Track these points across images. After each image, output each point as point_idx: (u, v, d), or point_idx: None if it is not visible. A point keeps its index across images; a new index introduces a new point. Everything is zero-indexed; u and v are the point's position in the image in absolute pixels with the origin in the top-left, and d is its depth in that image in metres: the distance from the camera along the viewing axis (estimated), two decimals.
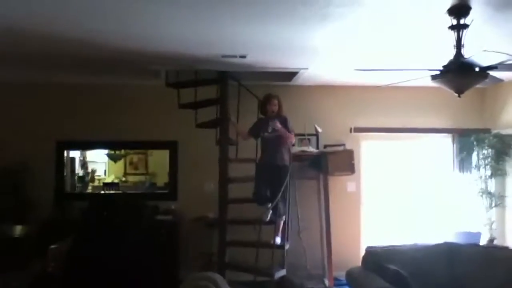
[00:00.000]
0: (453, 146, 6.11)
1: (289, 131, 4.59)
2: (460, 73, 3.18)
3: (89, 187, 6.05)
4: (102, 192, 6.00)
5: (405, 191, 6.12)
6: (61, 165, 5.83)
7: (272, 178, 4.51)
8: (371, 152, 6.10)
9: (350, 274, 4.03)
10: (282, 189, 4.43)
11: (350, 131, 6.00)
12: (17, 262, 3.94)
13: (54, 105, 5.83)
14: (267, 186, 4.54)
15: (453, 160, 6.12)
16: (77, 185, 6.04)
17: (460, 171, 6.07)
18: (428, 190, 6.13)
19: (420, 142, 6.18)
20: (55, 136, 5.76)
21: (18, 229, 4.22)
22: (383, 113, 6.06)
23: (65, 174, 5.88)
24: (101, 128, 5.79)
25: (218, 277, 2.65)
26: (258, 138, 4.82)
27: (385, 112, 6.07)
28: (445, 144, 6.17)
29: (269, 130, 4.59)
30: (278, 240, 4.56)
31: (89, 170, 6.12)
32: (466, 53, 3.19)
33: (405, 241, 4.73)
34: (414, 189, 6.12)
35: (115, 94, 5.89)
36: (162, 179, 6.09)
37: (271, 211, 4.46)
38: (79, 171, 6.09)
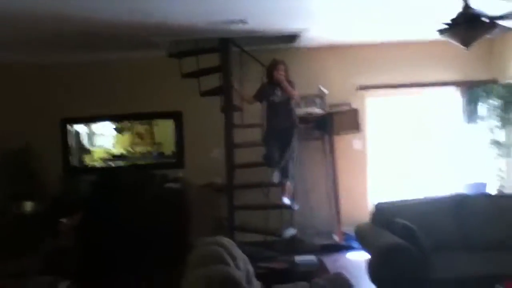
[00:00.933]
0: (461, 98, 6.02)
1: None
2: (469, 26, 3.11)
3: (98, 160, 6.09)
4: (111, 164, 6.05)
5: (413, 146, 6.09)
6: (66, 141, 5.87)
7: (281, 140, 4.60)
8: (377, 109, 6.04)
9: (358, 229, 4.07)
10: (290, 149, 4.51)
11: (356, 90, 5.93)
12: (29, 237, 4.03)
13: (57, 83, 5.83)
14: (277, 149, 4.60)
15: (462, 113, 6.05)
16: (84, 159, 6.09)
17: (468, 122, 6.00)
18: (436, 143, 6.09)
19: (427, 96, 6.10)
20: (59, 112, 5.79)
21: (28, 206, 4.29)
22: (389, 70, 5.96)
23: (71, 149, 5.92)
24: (106, 102, 5.80)
25: (227, 240, 2.69)
26: (263, 102, 4.84)
27: (391, 68, 5.96)
28: (453, 97, 6.08)
29: (278, 94, 4.67)
30: (286, 200, 4.60)
31: (97, 143, 6.14)
32: (474, 4, 3.09)
33: (414, 196, 4.75)
34: (422, 144, 6.08)
35: (118, 68, 5.86)
36: (169, 148, 6.11)
37: (280, 173, 4.48)
38: (86, 145, 6.12)
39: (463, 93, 6.01)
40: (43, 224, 4.17)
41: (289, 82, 4.70)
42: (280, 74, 4.63)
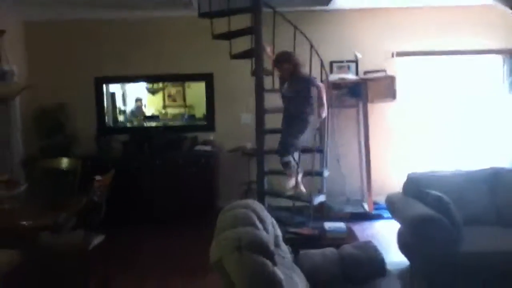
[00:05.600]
0: (504, 67, 5.74)
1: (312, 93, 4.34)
2: None
3: (132, 121, 6.17)
4: (143, 125, 6.13)
5: (451, 116, 5.89)
6: (101, 101, 5.97)
7: (293, 129, 4.40)
8: (413, 77, 5.83)
9: (390, 199, 4.02)
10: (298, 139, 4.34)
11: (392, 56, 5.72)
12: (66, 192, 4.15)
13: (90, 42, 5.86)
14: (290, 137, 4.39)
15: (503, 82, 5.78)
16: (119, 119, 6.18)
17: (510, 92, 5.74)
18: (476, 114, 5.87)
19: (467, 65, 5.83)
20: (93, 72, 5.85)
21: (64, 163, 4.41)
22: (427, 36, 5.72)
23: (105, 109, 6.02)
24: (137, 62, 5.83)
25: (257, 204, 2.69)
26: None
27: (430, 34, 5.71)
28: (495, 66, 5.80)
29: (286, 88, 4.44)
30: (291, 183, 4.47)
31: (137, 104, 6.20)
32: None
33: (449, 167, 4.63)
34: (461, 114, 5.87)
35: (150, 27, 5.84)
36: (200, 110, 6.13)
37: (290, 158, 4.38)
38: (120, 105, 6.20)
39: (506, 62, 5.72)
40: (78, 181, 4.28)
41: (301, 78, 4.37)
42: (285, 73, 4.40)
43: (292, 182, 4.43)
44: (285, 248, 2.81)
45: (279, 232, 2.81)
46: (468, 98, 5.86)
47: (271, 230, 2.62)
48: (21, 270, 3.32)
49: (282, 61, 4.41)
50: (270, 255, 2.07)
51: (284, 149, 4.33)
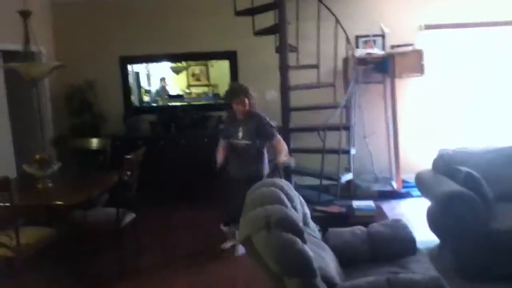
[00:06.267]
0: None
1: (267, 137, 3.72)
2: None
3: (158, 100, 6.22)
4: (168, 104, 6.16)
5: (481, 91, 5.70)
6: (127, 80, 6.01)
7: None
8: (443, 50, 5.65)
9: (419, 177, 3.96)
10: None
11: (420, 29, 5.56)
12: (96, 171, 4.25)
13: (115, 21, 5.87)
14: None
15: None
16: (145, 99, 6.23)
17: None
18: (508, 88, 5.66)
19: (499, 37, 5.61)
20: (118, 52, 5.88)
21: (94, 142, 4.50)
22: (457, 8, 5.50)
23: (131, 88, 6.06)
24: (161, 41, 5.81)
25: (284, 182, 2.69)
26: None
27: (459, 6, 5.50)
28: None
29: (239, 136, 3.73)
30: (226, 245, 3.99)
31: (162, 83, 6.23)
32: None
33: (480, 144, 4.52)
34: (492, 88, 5.68)
35: (173, 5, 5.79)
36: (224, 89, 6.08)
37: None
38: (145, 85, 6.25)
39: None
40: (109, 159, 4.37)
41: (255, 117, 3.70)
42: (238, 109, 3.69)
43: (227, 244, 4.00)
44: (313, 226, 2.82)
45: (307, 210, 2.82)
46: (499, 71, 5.66)
47: (299, 208, 2.63)
48: (56, 247, 3.45)
49: (235, 96, 3.70)
50: (299, 233, 2.08)
51: (234, 219, 3.44)
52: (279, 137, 3.74)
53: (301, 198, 2.81)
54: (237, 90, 3.70)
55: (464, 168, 3.53)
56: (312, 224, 2.83)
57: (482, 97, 5.71)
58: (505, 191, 3.61)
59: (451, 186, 3.42)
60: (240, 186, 3.14)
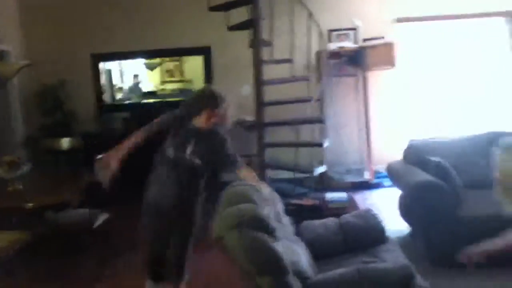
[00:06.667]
0: (507, 29, 5.65)
1: (226, 164, 2.89)
2: None
3: (131, 98, 6.15)
4: (142, 101, 6.11)
5: (452, 82, 5.83)
6: (98, 78, 5.92)
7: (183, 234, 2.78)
8: (414, 43, 5.75)
9: (391, 167, 4.04)
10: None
11: (392, 23, 5.63)
12: (69, 171, 4.19)
13: (84, 19, 5.78)
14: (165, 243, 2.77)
15: (507, 44, 5.69)
16: (117, 96, 6.16)
17: None
18: (478, 79, 5.80)
19: (470, 29, 5.74)
20: (89, 49, 5.79)
21: (66, 142, 4.43)
22: (428, 1, 5.60)
23: (103, 86, 5.98)
24: (133, 37, 5.75)
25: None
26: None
27: None
28: (498, 28, 5.70)
29: (187, 151, 2.74)
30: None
31: (135, 80, 6.16)
32: None
33: (450, 134, 4.62)
34: (463, 79, 5.80)
35: (144, 1, 5.72)
36: (199, 85, 6.08)
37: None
38: (118, 82, 6.17)
39: (509, 24, 5.63)
40: (80, 160, 4.31)
41: (218, 134, 2.85)
42: (216, 121, 2.83)
43: None
44: (286, 221, 2.84)
45: (280, 205, 2.84)
46: (469, 63, 5.79)
47: (271, 206, 2.63)
48: (29, 249, 3.39)
49: (222, 101, 2.83)
50: (270, 231, 2.11)
51: (178, 273, 2.78)
52: (243, 163, 2.88)
53: (274, 193, 2.83)
54: (219, 98, 2.82)
55: (434, 158, 3.62)
56: (285, 218, 2.85)
57: (451, 88, 5.84)
58: (473, 179, 3.69)
59: (421, 175, 3.50)
60: (165, 217, 2.57)
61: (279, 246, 2.04)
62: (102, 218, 3.71)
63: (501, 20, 5.66)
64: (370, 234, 2.81)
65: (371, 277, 2.12)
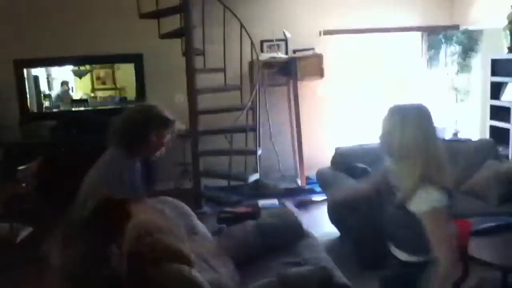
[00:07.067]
0: (422, 43, 6.09)
1: None
2: None
3: (59, 105, 5.89)
4: (71, 109, 5.88)
5: (375, 91, 6.16)
6: (22, 85, 5.62)
7: None
8: (340, 54, 6.03)
9: (320, 174, 4.20)
10: None
11: (320, 35, 5.87)
12: None
13: (6, 22, 5.46)
14: None
15: (423, 58, 6.14)
16: (44, 104, 5.88)
17: (428, 68, 6.12)
18: (398, 88, 6.19)
19: (389, 41, 6.12)
20: (12, 54, 5.48)
21: None
22: (352, 15, 5.90)
23: (28, 93, 5.69)
24: (61, 43, 5.50)
25: (163, 200, 2.67)
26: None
27: (355, 13, 5.90)
28: (414, 42, 6.14)
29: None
30: None
31: (64, 87, 5.91)
32: None
33: (374, 140, 4.86)
34: (384, 89, 6.17)
35: (72, 4, 5.53)
36: (132, 93, 5.96)
37: None
38: (45, 89, 5.89)
39: (424, 38, 6.08)
40: (1, 171, 4.07)
41: None
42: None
43: None
44: (204, 234, 2.76)
45: (194, 218, 2.78)
46: (390, 74, 6.16)
47: (180, 223, 2.52)
48: None
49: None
50: (186, 260, 1.98)
51: None
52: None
53: (186, 208, 2.77)
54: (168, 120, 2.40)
55: (360, 164, 3.81)
56: (202, 231, 2.76)
57: (375, 96, 6.18)
58: None
59: (348, 182, 3.67)
60: None
61: (197, 274, 1.92)
62: (25, 232, 3.51)
63: (417, 34, 6.08)
64: (288, 232, 2.86)
65: (290, 284, 2.13)
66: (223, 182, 4.74)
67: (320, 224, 4.13)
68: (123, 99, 5.98)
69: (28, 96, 5.68)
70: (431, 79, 6.09)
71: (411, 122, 1.91)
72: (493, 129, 5.08)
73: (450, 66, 5.84)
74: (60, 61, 5.69)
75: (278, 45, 5.77)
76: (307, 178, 5.58)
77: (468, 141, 5.00)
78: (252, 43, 4.87)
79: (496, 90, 4.98)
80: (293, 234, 2.86)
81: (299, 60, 5.41)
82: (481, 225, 2.91)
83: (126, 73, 5.92)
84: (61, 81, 5.89)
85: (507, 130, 4.77)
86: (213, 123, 5.05)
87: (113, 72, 5.97)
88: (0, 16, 5.44)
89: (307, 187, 5.53)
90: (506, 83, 4.86)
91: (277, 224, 2.87)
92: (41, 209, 3.80)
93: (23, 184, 3.35)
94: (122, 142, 2.36)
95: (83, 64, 5.85)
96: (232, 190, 4.76)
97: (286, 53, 5.71)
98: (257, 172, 4.84)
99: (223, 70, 4.96)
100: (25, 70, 5.63)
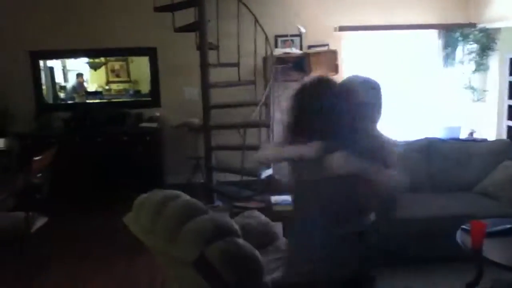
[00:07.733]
0: (439, 41, 6.00)
1: None
2: None
3: (74, 97, 5.94)
4: (86, 101, 5.92)
5: (389, 89, 6.09)
6: (38, 76, 5.69)
7: None
8: (355, 51, 5.98)
9: None
10: None
11: (335, 31, 5.83)
12: (3, 172, 3.99)
13: (23, 14, 5.52)
14: None
15: (439, 56, 6.05)
16: (60, 95, 5.94)
17: (445, 66, 6.03)
18: (414, 87, 6.11)
19: (405, 39, 6.05)
20: (28, 46, 5.54)
21: (1, 142, 4.21)
22: (368, 12, 5.83)
23: (44, 85, 5.75)
24: (77, 35, 5.56)
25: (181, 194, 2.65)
26: None
27: (370, 10, 5.83)
28: (431, 40, 6.05)
29: None
30: None
31: (79, 79, 5.95)
32: None
33: None
34: (399, 87, 6.10)
35: None
36: (145, 86, 5.99)
37: None
38: (61, 81, 5.95)
39: (441, 36, 5.99)
40: (16, 161, 4.12)
41: None
42: None
43: None
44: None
45: None
46: (406, 71, 6.09)
47: None
48: None
49: None
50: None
51: None
52: None
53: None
54: None
55: None
56: None
57: (390, 95, 6.11)
58: (412, 182, 3.89)
59: None
60: None
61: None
62: (40, 222, 3.55)
63: (434, 32, 5.99)
64: (263, 233, 2.89)
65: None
66: (236, 177, 4.73)
67: None
68: (137, 93, 6.02)
69: (44, 87, 5.75)
70: (447, 77, 6.00)
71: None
72: (510, 129, 5.00)
73: (466, 64, 5.74)
74: (75, 53, 5.74)
75: (292, 41, 5.74)
76: None
77: (483, 141, 4.95)
78: (266, 38, 4.85)
79: None
80: (265, 234, 2.90)
81: (312, 56, 5.37)
82: (495, 227, 2.88)
83: (140, 66, 5.95)
84: (76, 73, 5.93)
85: None
86: (227, 117, 5.05)
87: (128, 65, 5.99)
88: (17, 8, 5.50)
89: None
90: None
91: (253, 225, 2.90)
92: (56, 199, 3.84)
93: (39, 174, 3.38)
94: None
95: (98, 57, 5.89)
96: (245, 185, 4.75)
97: (301, 48, 5.68)
98: (269, 168, 4.83)
99: (237, 65, 4.95)
100: (41, 62, 5.70)
